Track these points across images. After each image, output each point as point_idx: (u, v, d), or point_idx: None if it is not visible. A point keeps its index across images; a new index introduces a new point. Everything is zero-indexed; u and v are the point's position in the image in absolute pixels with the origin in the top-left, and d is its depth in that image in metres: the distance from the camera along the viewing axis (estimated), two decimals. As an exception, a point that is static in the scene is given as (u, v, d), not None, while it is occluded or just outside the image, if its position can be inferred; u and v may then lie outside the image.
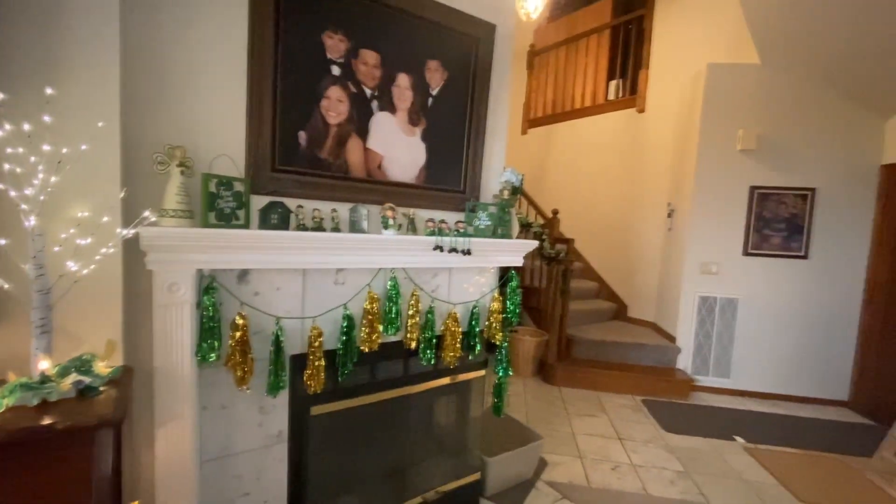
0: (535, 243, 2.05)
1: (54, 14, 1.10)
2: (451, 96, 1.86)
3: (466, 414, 2.14)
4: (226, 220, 1.32)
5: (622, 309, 4.88)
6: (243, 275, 1.44)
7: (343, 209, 1.62)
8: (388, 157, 1.73)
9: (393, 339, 1.75)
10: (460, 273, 1.95)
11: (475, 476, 2.08)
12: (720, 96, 3.71)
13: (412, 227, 1.75)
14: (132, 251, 1.23)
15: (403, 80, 1.73)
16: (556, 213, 4.18)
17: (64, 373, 1.04)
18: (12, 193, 1.00)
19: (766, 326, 3.77)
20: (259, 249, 1.38)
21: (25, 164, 1.03)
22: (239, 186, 1.35)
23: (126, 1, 1.19)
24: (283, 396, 1.54)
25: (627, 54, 5.03)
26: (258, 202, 1.43)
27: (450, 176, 1.91)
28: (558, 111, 5.57)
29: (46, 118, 1.04)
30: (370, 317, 1.63)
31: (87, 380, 1.04)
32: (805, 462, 2.72)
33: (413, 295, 1.75)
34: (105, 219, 1.15)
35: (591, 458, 2.62)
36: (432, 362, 1.82)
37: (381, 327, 1.66)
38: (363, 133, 1.66)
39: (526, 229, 3.91)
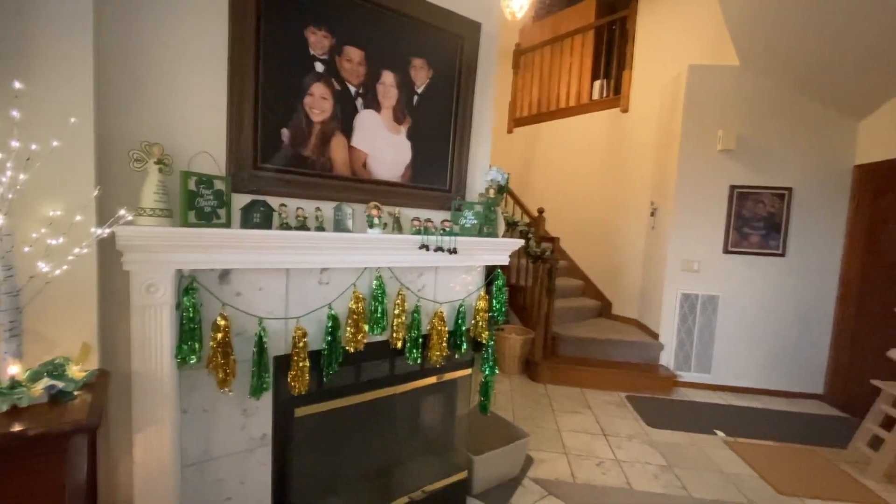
0: (520, 242, 2.06)
1: (24, 3, 1.05)
2: (437, 94, 1.85)
3: (453, 413, 2.14)
4: (206, 219, 1.29)
5: (607, 306, 4.95)
6: (225, 275, 1.41)
7: (327, 208, 1.60)
8: (373, 155, 1.71)
9: (379, 338, 1.74)
10: (446, 272, 1.94)
11: (462, 475, 2.09)
12: (701, 97, 3.79)
13: (398, 226, 1.74)
14: (108, 251, 1.19)
15: (388, 78, 1.71)
16: (541, 211, 4.21)
17: (35, 377, 1.01)
18: (-22, 191, 0.96)
19: (745, 322, 3.87)
20: (241, 249, 1.35)
21: (-8, 160, 0.99)
22: (220, 185, 1.32)
23: (100, -8, 1.15)
24: (267, 398, 1.51)
25: (611, 55, 5.11)
26: (240, 201, 1.40)
27: (435, 174, 1.91)
28: (544, 110, 5.61)
29: (15, 113, 1.00)
30: (355, 316, 1.61)
31: (59, 384, 1.01)
32: (782, 454, 2.80)
33: (399, 294, 1.74)
34: (78, 218, 1.11)
35: (576, 455, 2.65)
36: (418, 362, 1.81)
37: (366, 327, 1.65)
38: (348, 131, 1.64)
39: (512, 228, 3.93)
